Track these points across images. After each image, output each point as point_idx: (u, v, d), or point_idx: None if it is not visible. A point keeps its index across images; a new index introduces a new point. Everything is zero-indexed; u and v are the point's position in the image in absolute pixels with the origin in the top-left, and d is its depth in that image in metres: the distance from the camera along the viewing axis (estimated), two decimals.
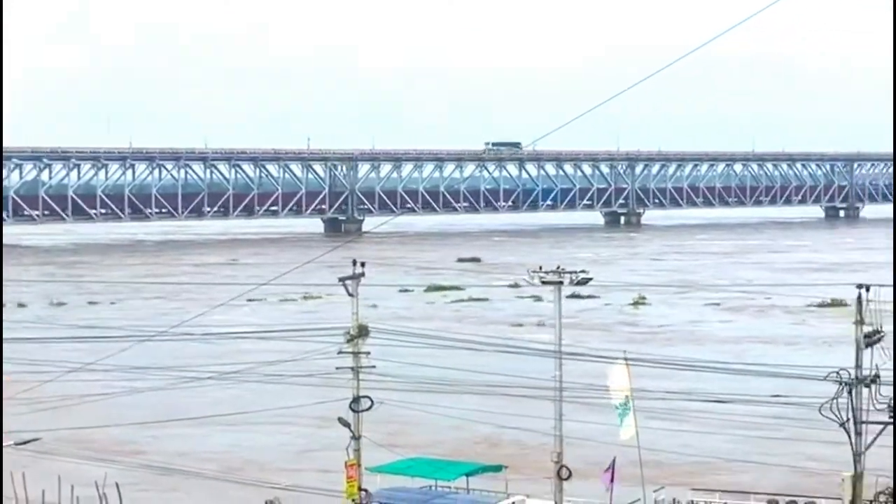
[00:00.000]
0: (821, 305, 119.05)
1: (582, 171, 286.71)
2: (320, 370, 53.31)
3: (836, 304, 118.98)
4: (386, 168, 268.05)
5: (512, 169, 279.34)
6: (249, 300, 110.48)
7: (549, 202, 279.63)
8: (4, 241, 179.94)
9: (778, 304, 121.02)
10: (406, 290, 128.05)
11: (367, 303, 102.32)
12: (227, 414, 65.96)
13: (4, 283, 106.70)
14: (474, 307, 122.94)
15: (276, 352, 69.83)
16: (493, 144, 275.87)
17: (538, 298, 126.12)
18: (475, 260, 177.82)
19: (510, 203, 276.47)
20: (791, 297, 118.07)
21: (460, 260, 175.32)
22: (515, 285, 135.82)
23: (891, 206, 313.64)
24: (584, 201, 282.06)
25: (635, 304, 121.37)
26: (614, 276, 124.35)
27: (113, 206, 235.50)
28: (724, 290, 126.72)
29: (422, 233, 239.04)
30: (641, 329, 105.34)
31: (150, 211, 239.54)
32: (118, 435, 63.53)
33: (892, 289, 36.99)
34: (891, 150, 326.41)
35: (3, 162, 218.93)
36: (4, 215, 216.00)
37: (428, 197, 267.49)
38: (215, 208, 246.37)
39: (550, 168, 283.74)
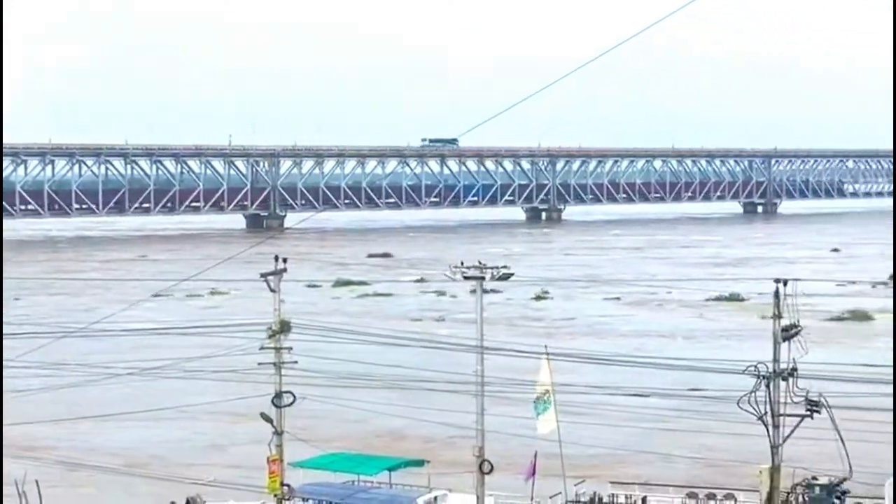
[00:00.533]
0: (718, 300, 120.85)
1: (503, 168, 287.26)
2: (234, 366, 53.15)
3: (734, 298, 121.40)
4: (308, 164, 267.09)
5: (434, 165, 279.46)
6: (155, 296, 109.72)
7: (471, 198, 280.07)
8: None
9: (676, 299, 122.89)
10: (314, 286, 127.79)
11: (272, 297, 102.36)
12: (141, 411, 65.48)
13: None
14: (378, 302, 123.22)
15: (186, 347, 69.63)
16: (431, 141, 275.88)
17: (441, 293, 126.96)
18: (386, 255, 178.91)
19: (432, 199, 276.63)
20: (691, 292, 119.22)
21: (371, 256, 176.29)
22: (421, 280, 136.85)
23: (808, 201, 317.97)
24: (506, 197, 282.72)
25: (537, 298, 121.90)
26: (523, 272, 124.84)
27: (33, 203, 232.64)
28: (626, 285, 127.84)
29: (342, 229, 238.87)
30: (544, 323, 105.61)
31: (70, 207, 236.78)
32: (32, 432, 62.76)
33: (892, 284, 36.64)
34: (807, 146, 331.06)
35: None
36: None
37: (350, 193, 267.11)
38: (136, 204, 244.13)
39: (472, 164, 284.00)
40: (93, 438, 63.89)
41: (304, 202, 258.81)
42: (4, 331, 65.31)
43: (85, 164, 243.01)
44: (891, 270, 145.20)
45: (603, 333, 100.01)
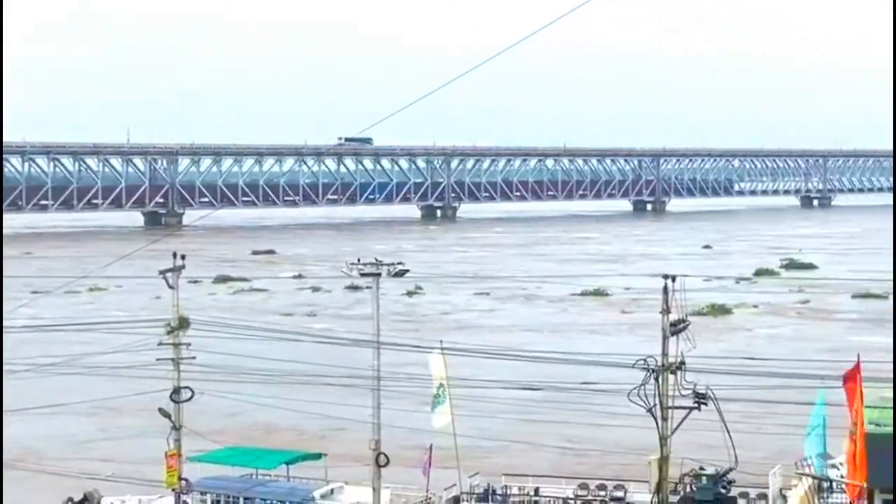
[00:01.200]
0: (583, 294, 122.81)
1: (399, 166, 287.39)
2: (128, 363, 52.86)
3: (598, 293, 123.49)
4: (206, 162, 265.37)
5: (331, 164, 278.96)
6: (34, 292, 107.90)
7: (368, 196, 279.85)
8: None
9: (544, 294, 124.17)
10: (195, 282, 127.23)
11: (152, 294, 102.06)
12: (37, 407, 64.85)
13: None
14: (252, 297, 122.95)
15: (77, 344, 69.18)
16: (347, 139, 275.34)
17: (317, 289, 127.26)
18: (270, 252, 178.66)
19: (329, 197, 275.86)
20: (559, 288, 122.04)
21: (255, 252, 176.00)
22: (299, 276, 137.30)
23: (696, 199, 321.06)
24: (402, 195, 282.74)
25: (409, 294, 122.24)
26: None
27: None
28: (499, 280, 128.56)
29: (240, 226, 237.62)
30: (414, 318, 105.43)
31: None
32: None
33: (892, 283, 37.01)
34: (695, 146, 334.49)
35: None
36: None
37: (248, 190, 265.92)
38: (34, 202, 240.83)
39: (369, 163, 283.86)
40: None
41: (202, 200, 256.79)
42: None
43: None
44: (755, 266, 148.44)
45: (473, 327, 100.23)
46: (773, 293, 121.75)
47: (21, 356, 71.71)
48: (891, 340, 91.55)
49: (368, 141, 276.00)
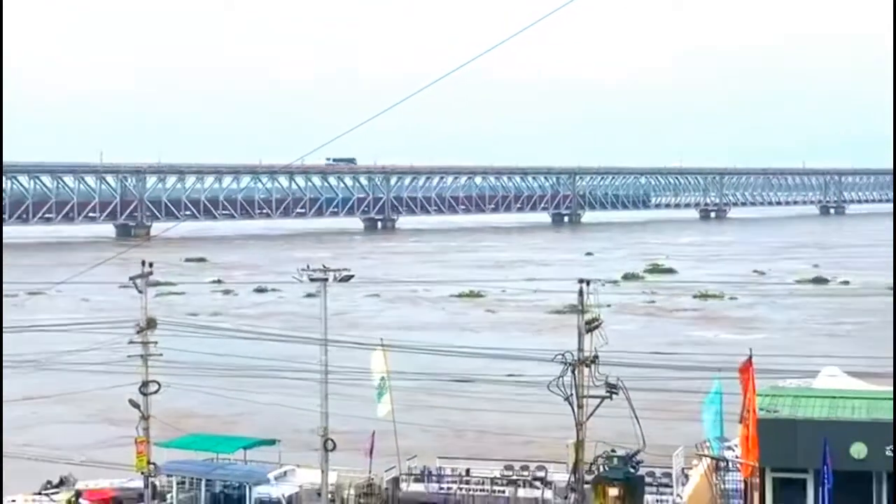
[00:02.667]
0: (460, 296, 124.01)
1: (344, 183, 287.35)
2: (96, 359, 52.41)
3: (474, 295, 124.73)
4: (172, 179, 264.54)
5: (283, 181, 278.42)
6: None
7: (316, 209, 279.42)
8: None
9: (427, 296, 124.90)
10: (125, 286, 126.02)
11: (81, 297, 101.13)
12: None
13: None
14: (170, 300, 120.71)
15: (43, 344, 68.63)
16: (334, 160, 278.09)
17: (229, 292, 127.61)
18: (201, 259, 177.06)
19: (281, 210, 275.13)
20: (443, 289, 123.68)
21: (188, 259, 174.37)
22: (218, 282, 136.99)
23: (609, 212, 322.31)
24: (347, 208, 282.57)
25: (309, 296, 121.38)
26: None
27: None
28: (389, 283, 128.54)
29: (201, 236, 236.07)
30: (313, 317, 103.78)
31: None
32: None
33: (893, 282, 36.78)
34: (608, 164, 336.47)
35: None
36: None
37: (209, 205, 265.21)
38: (16, 215, 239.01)
39: (317, 180, 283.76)
40: None
41: (167, 213, 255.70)
42: None
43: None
44: (625, 270, 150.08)
45: (364, 326, 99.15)
46: (631, 294, 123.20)
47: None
48: (720, 334, 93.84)
49: (352, 160, 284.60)
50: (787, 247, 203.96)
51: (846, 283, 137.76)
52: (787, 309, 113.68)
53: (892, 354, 41.35)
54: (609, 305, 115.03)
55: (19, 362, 67.11)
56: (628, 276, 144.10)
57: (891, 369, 44.16)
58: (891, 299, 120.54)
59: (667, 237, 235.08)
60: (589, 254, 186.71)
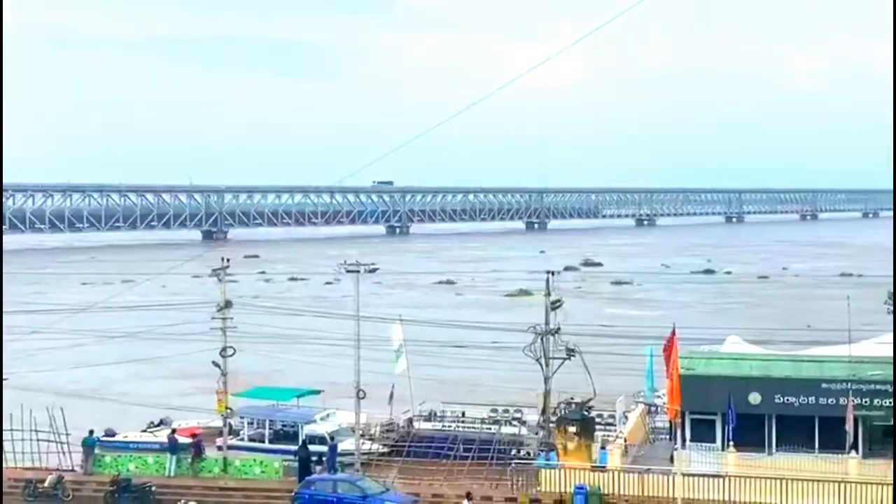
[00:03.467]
0: (439, 283, 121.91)
1: (371, 199, 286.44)
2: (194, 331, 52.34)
3: (449, 282, 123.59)
4: (243, 196, 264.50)
5: (325, 197, 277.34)
6: (83, 283, 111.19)
7: (352, 219, 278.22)
8: None
9: (418, 283, 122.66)
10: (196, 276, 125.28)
11: (162, 284, 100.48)
12: (128, 361, 64.29)
13: None
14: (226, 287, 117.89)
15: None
16: (378, 182, 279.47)
17: (270, 280, 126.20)
18: (255, 256, 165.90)
19: (325, 220, 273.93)
20: (429, 278, 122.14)
21: (245, 256, 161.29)
22: (263, 272, 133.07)
23: (569, 220, 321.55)
24: (374, 219, 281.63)
25: (292, 279, 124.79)
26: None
27: (57, 223, 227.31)
28: (390, 274, 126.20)
29: (268, 240, 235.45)
30: (330, 301, 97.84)
31: (83, 226, 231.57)
32: (52, 377, 61.07)
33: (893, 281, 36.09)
34: (568, 185, 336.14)
35: None
36: None
37: (271, 216, 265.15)
38: (128, 223, 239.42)
39: (351, 196, 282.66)
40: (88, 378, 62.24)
41: (240, 222, 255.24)
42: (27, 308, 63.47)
43: (93, 197, 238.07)
44: (565, 264, 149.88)
45: (370, 306, 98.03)
46: (567, 282, 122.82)
47: (115, 326, 71.22)
48: (628, 311, 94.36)
49: (390, 183, 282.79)
50: (691, 247, 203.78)
51: (729, 272, 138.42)
52: (682, 293, 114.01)
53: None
54: (550, 292, 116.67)
55: (132, 333, 67.30)
56: (568, 268, 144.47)
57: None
58: (760, 285, 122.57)
59: (605, 240, 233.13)
60: (542, 252, 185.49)
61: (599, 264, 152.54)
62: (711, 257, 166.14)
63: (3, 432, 42.67)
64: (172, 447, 42.45)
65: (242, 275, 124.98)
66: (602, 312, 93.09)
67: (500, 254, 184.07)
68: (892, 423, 36.41)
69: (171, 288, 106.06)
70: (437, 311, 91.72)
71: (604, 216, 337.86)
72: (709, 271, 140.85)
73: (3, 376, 45.94)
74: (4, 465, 42.91)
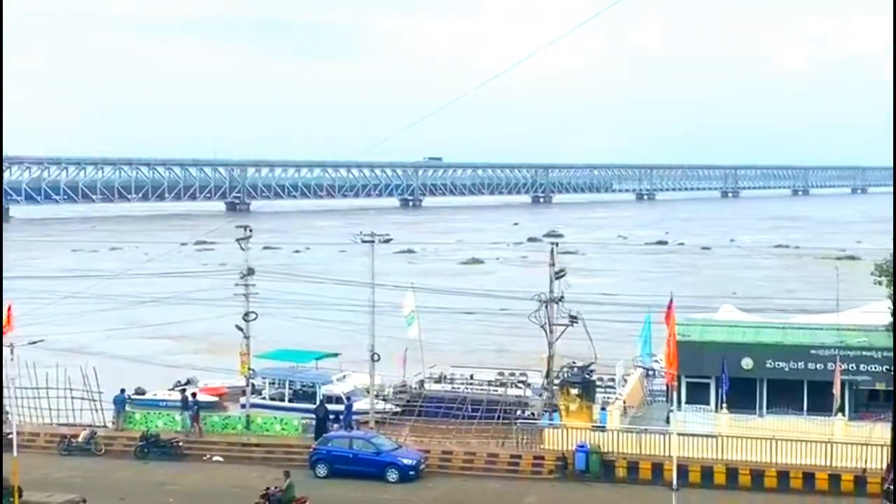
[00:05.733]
0: (400, 252, 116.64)
1: (386, 173, 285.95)
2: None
3: (409, 251, 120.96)
4: (265, 171, 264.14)
5: (343, 171, 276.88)
6: (73, 250, 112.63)
7: (366, 192, 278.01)
8: None
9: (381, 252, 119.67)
10: (184, 244, 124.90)
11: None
12: (159, 324, 64.54)
13: None
14: (205, 254, 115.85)
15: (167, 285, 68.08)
16: (429, 158, 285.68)
17: (267, 248, 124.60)
18: (246, 227, 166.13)
19: (341, 193, 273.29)
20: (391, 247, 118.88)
21: (237, 226, 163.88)
22: (267, 247, 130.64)
23: (573, 195, 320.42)
24: (388, 192, 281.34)
25: (266, 247, 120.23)
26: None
27: (89, 193, 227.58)
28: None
29: (287, 211, 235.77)
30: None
31: (113, 197, 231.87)
32: (80, 337, 61.35)
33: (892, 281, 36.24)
34: (573, 161, 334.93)
35: None
36: None
37: (291, 189, 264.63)
38: (155, 195, 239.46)
39: (367, 171, 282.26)
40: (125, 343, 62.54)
41: (262, 194, 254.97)
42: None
43: (123, 169, 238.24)
44: (531, 235, 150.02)
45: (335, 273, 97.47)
46: (522, 251, 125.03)
47: (144, 291, 71.35)
48: (572, 280, 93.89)
49: (439, 159, 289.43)
50: (664, 220, 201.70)
51: (682, 244, 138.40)
52: (620, 262, 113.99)
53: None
54: (498, 259, 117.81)
55: (157, 299, 67.42)
56: (532, 239, 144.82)
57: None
58: (699, 255, 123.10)
59: (589, 213, 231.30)
60: (516, 224, 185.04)
61: (560, 235, 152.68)
62: (674, 229, 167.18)
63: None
64: (184, 405, 42.67)
65: (223, 244, 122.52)
66: (542, 279, 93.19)
67: (481, 225, 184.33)
68: (875, 387, 36.45)
69: (153, 254, 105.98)
70: (387, 277, 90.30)
71: (605, 191, 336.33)
72: (661, 242, 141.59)
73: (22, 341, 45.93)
74: (41, 421, 43.30)
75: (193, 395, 43.88)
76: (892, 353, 35.12)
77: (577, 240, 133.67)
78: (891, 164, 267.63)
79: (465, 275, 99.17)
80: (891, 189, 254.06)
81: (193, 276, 71.22)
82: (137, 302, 67.65)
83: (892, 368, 35.49)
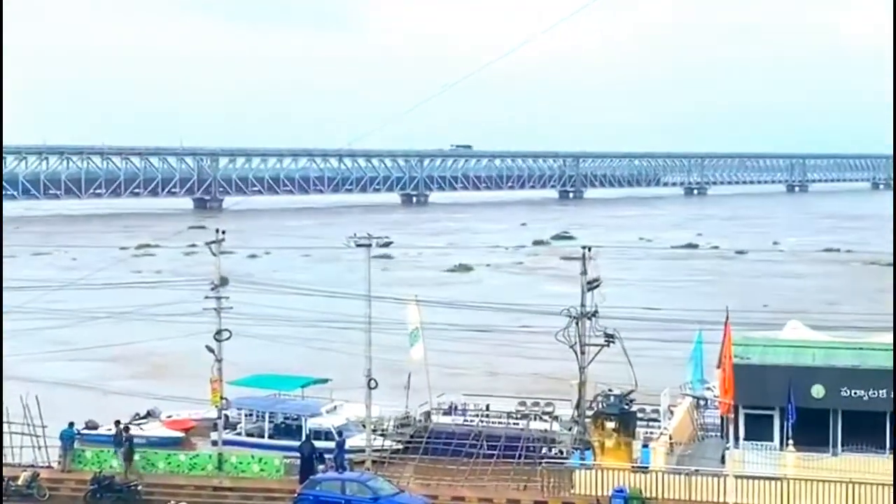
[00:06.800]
0: (375, 257, 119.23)
1: (385, 164, 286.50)
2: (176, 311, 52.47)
3: (385, 256, 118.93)
4: (240, 161, 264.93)
5: (333, 162, 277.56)
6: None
7: (362, 187, 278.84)
8: None
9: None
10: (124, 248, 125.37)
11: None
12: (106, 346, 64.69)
13: None
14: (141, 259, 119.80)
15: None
16: (456, 146, 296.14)
17: (190, 254, 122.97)
18: (202, 227, 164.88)
19: (332, 187, 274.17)
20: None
21: (191, 227, 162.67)
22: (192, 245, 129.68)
23: (610, 189, 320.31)
24: (387, 187, 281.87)
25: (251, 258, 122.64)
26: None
27: (32, 189, 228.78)
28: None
29: (266, 209, 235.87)
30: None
31: (59, 193, 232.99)
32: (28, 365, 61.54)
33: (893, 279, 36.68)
34: (609, 149, 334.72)
35: None
36: None
37: (272, 183, 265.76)
38: (111, 190, 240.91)
39: (362, 161, 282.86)
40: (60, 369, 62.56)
41: (237, 189, 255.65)
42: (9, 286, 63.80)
43: (72, 160, 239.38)
44: (541, 238, 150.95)
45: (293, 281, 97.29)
46: (520, 256, 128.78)
47: (94, 306, 71.41)
48: (568, 289, 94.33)
49: (469, 147, 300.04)
50: (702, 219, 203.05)
51: (715, 248, 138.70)
52: (635, 269, 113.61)
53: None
54: (489, 265, 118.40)
55: (113, 313, 67.62)
56: (537, 242, 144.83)
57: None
58: (728, 261, 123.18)
59: (619, 210, 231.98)
60: (523, 224, 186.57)
61: (572, 238, 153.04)
62: (710, 230, 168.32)
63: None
64: (117, 440, 42.65)
65: (169, 247, 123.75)
66: (537, 290, 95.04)
67: (484, 226, 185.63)
68: None
69: (82, 261, 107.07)
70: (350, 287, 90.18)
71: (649, 184, 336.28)
72: (690, 245, 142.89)
73: None
74: None
75: (126, 428, 43.75)
76: None
77: (591, 243, 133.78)
78: None
79: (449, 284, 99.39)
80: None
81: (131, 287, 71.49)
82: (89, 318, 67.76)
83: (894, 380, 35.44)
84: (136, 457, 42.40)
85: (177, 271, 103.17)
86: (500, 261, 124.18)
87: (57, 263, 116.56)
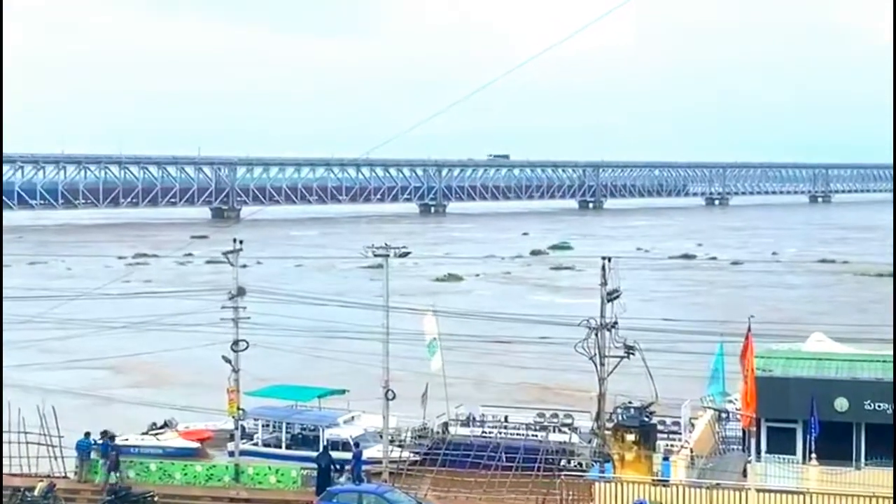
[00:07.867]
0: (369, 268, 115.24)
1: (402, 173, 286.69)
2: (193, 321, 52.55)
3: (376, 266, 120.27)
4: (258, 170, 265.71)
5: (352, 172, 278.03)
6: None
7: (380, 197, 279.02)
8: None
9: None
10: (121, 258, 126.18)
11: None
12: (126, 355, 64.76)
13: None
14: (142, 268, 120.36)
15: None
16: (494, 156, 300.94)
17: (183, 264, 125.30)
18: (204, 237, 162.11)
19: (350, 196, 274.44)
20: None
21: (193, 237, 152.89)
22: (188, 254, 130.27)
23: (629, 199, 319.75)
24: (405, 196, 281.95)
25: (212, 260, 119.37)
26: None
27: (48, 198, 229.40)
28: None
29: (284, 219, 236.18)
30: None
31: (77, 202, 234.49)
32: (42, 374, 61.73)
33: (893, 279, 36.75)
34: (629, 158, 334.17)
35: None
36: None
37: (289, 192, 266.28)
38: (128, 200, 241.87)
39: (380, 171, 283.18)
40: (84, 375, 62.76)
41: (254, 199, 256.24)
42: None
43: (89, 169, 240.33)
44: (538, 247, 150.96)
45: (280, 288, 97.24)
46: (512, 266, 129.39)
47: (118, 315, 71.60)
48: (554, 299, 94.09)
49: (506, 157, 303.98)
50: (709, 229, 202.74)
51: (713, 258, 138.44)
52: (624, 279, 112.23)
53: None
54: (478, 275, 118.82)
55: (131, 323, 67.71)
56: (534, 252, 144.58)
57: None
58: (721, 272, 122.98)
59: (628, 221, 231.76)
60: (525, 233, 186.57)
61: (568, 247, 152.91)
62: (713, 240, 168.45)
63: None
64: (104, 449, 42.66)
65: (169, 257, 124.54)
66: (524, 300, 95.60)
67: (489, 234, 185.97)
68: None
69: (76, 270, 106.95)
70: (341, 297, 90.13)
71: (670, 194, 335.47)
72: (687, 256, 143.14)
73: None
74: None
75: (112, 437, 43.73)
76: None
77: (588, 252, 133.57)
78: None
79: (437, 293, 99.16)
80: None
81: (173, 296, 71.55)
82: (106, 327, 67.92)
83: (894, 388, 35.25)
84: (154, 466, 42.50)
85: (170, 282, 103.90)
86: (490, 270, 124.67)
87: (48, 273, 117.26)
